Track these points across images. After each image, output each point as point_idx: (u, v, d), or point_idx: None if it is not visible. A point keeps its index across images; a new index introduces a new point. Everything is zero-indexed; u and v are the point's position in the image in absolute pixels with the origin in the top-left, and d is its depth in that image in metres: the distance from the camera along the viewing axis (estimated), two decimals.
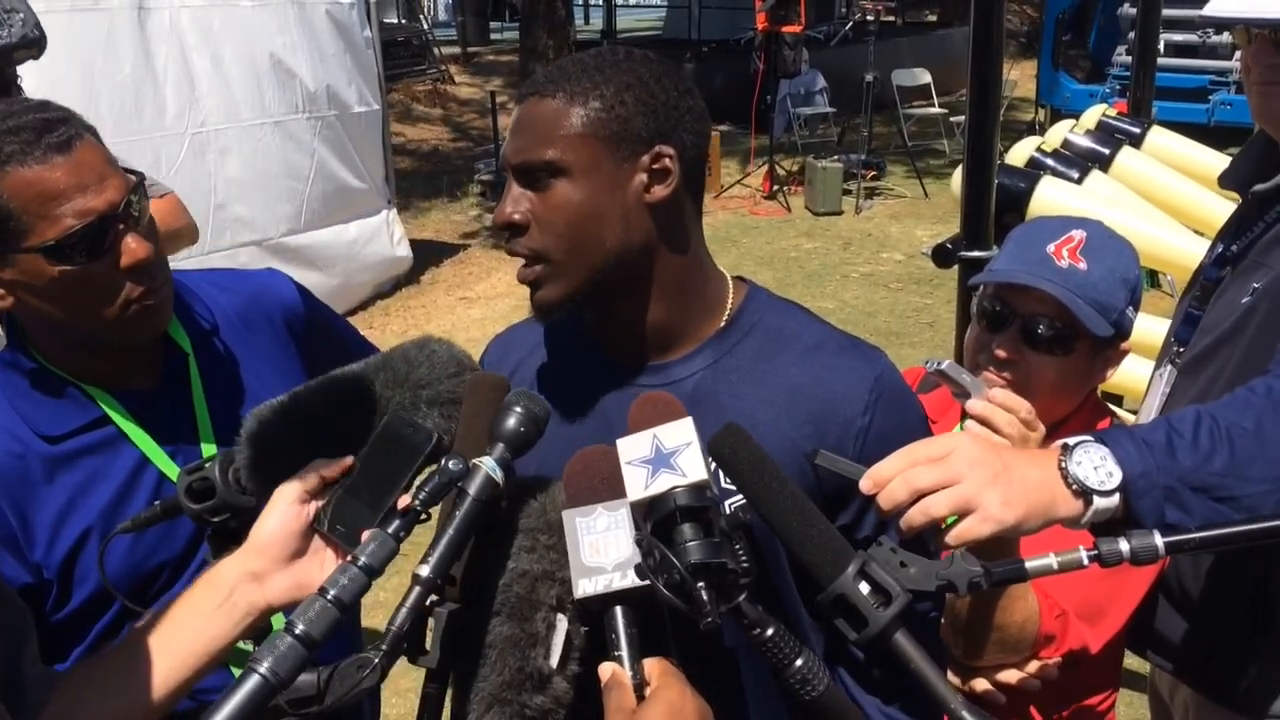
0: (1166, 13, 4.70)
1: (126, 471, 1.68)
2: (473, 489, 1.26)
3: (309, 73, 7.90)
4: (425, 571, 1.22)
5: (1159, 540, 1.23)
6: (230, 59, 7.33)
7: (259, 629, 1.38)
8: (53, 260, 1.53)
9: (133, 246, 1.58)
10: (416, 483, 1.32)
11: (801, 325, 1.52)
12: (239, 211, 7.44)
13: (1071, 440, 1.35)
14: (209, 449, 1.73)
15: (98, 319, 1.60)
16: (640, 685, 1.21)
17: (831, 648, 1.45)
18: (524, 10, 17.25)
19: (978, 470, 1.27)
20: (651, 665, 1.24)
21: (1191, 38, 12.03)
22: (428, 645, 1.30)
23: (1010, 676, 1.77)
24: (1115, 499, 1.32)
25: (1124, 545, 1.23)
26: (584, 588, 1.25)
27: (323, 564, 1.35)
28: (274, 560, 1.33)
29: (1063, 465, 1.32)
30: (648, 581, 1.19)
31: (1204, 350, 2.01)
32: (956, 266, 3.01)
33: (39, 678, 1.28)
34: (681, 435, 1.24)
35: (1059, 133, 3.97)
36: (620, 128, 1.39)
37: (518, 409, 1.32)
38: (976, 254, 2.91)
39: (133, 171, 1.64)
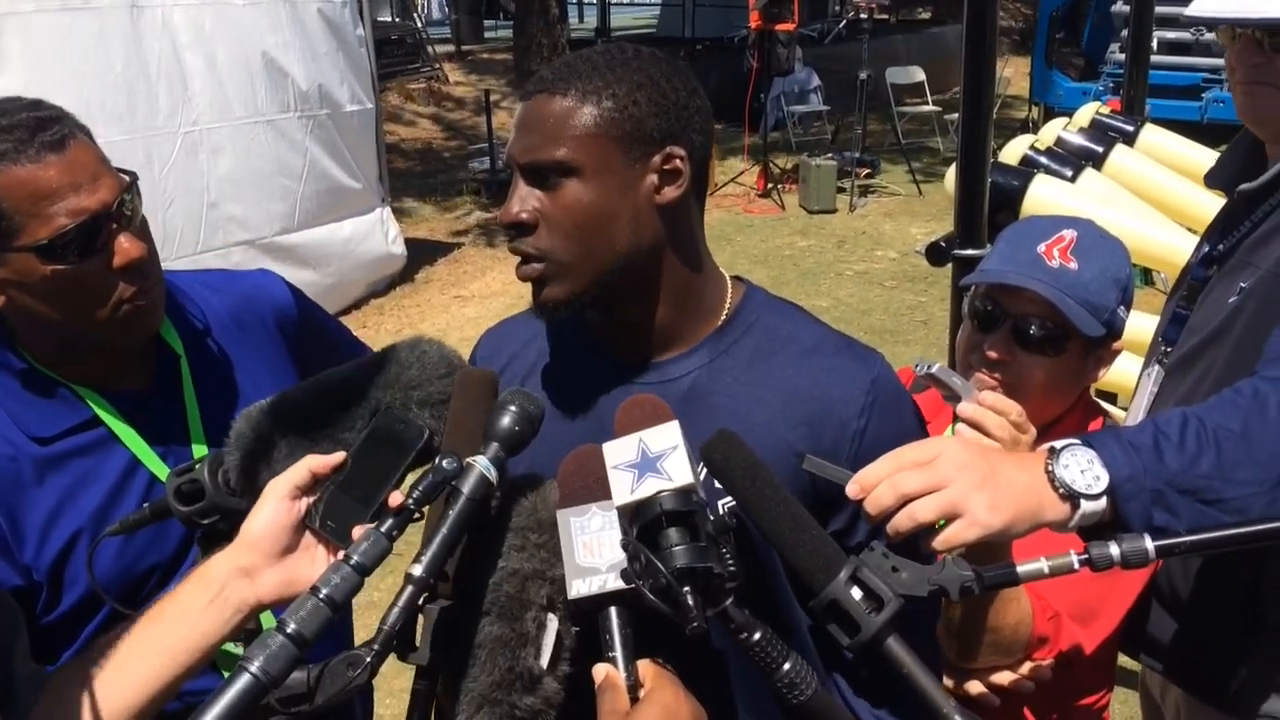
0: (1159, 10, 4.69)
1: (117, 473, 1.67)
2: (466, 488, 1.26)
3: (301, 71, 7.88)
4: (419, 571, 1.21)
5: (1149, 544, 1.23)
6: (222, 57, 7.31)
7: (248, 632, 1.37)
8: (45, 259, 1.53)
9: (125, 246, 1.58)
10: (410, 482, 1.31)
11: (799, 326, 1.52)
12: (232, 210, 7.42)
13: (1058, 444, 1.35)
14: (200, 450, 1.72)
15: (90, 319, 1.59)
16: (634, 687, 1.21)
17: (827, 652, 1.44)
18: (518, 8, 17.27)
19: (964, 474, 1.26)
20: (646, 667, 1.23)
21: (1185, 35, 12.04)
22: (417, 642, 1.30)
23: (1004, 678, 1.76)
24: (1102, 502, 1.31)
25: (1114, 549, 1.22)
26: (578, 588, 1.24)
27: (314, 560, 1.34)
28: (265, 556, 1.32)
29: (1049, 469, 1.32)
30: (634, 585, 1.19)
31: (1191, 350, 2.01)
32: (951, 264, 3.01)
33: (30, 677, 1.28)
34: (667, 439, 1.24)
35: (1053, 130, 3.97)
36: (633, 127, 1.38)
37: (513, 408, 1.31)
38: (970, 252, 2.91)
39: (126, 172, 1.64)
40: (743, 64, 12.84)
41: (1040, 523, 1.30)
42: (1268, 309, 1.82)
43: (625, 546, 1.21)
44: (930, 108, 14.14)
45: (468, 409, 1.39)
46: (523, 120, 1.42)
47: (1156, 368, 2.13)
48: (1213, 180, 2.18)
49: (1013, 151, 3.72)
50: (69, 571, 1.62)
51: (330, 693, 1.20)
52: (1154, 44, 5.11)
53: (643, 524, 1.20)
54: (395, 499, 1.33)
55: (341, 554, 1.23)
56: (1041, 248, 1.82)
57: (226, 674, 1.12)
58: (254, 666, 1.12)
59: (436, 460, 1.27)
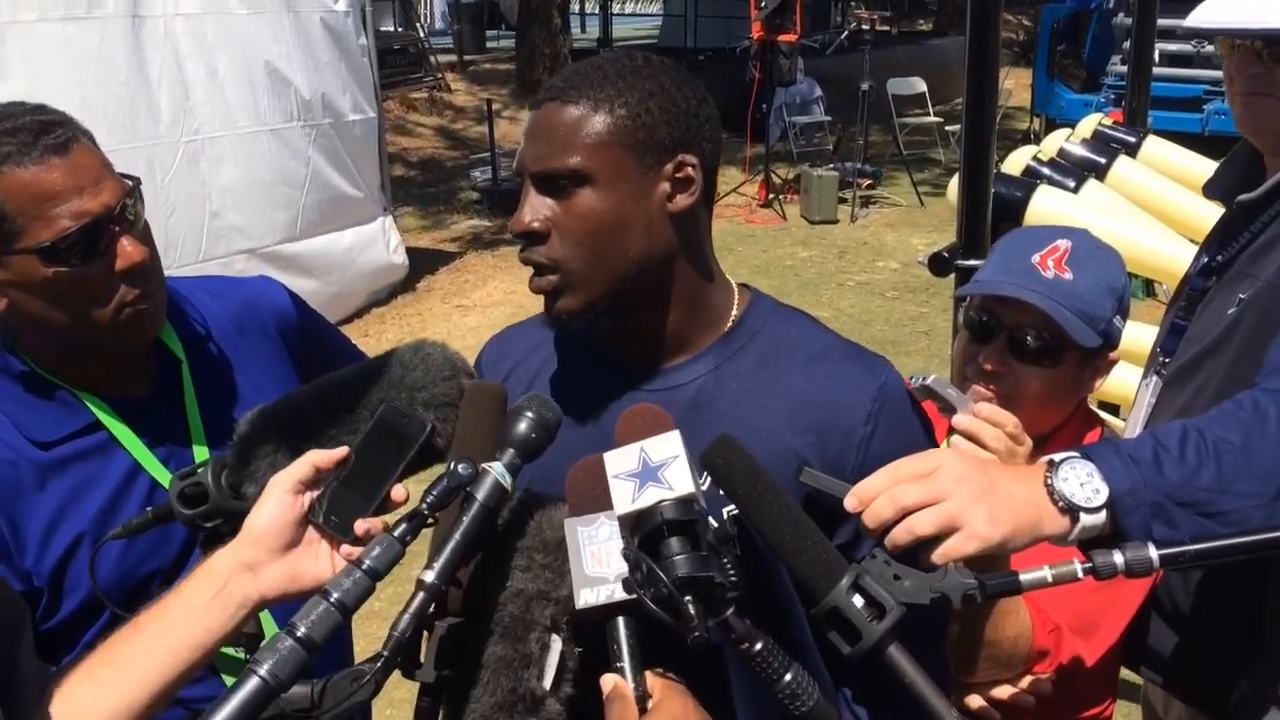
0: (1161, 22, 4.70)
1: (119, 478, 1.67)
2: (481, 494, 1.24)
3: (304, 81, 7.89)
4: (430, 577, 1.20)
5: (1153, 552, 1.22)
6: (225, 67, 7.32)
7: (248, 636, 1.37)
8: (47, 261, 1.53)
9: (128, 249, 1.58)
10: (420, 484, 1.31)
11: (805, 333, 1.51)
12: (234, 219, 7.42)
13: (1057, 456, 1.34)
14: (202, 455, 1.72)
15: (91, 322, 1.60)
16: (643, 697, 1.21)
17: (832, 662, 1.43)
18: (520, 19, 17.31)
19: (963, 487, 1.25)
20: (654, 677, 1.23)
21: (1186, 47, 12.04)
22: (421, 658, 1.29)
23: (1004, 692, 1.75)
24: (1102, 516, 1.30)
25: (1118, 558, 1.22)
26: (586, 598, 1.23)
27: (317, 555, 1.33)
28: (268, 551, 1.31)
29: (1049, 482, 1.30)
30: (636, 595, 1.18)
31: (1190, 361, 2.00)
32: (953, 275, 3.01)
33: (36, 672, 1.27)
34: (669, 448, 1.23)
35: (1055, 142, 3.97)
36: (646, 136, 1.38)
37: (530, 414, 1.30)
38: (973, 262, 2.90)
39: (129, 176, 1.64)
40: (745, 75, 12.84)
41: (1039, 536, 1.29)
42: (1267, 320, 1.81)
43: (626, 556, 1.20)
44: (932, 119, 14.17)
45: (477, 422, 1.39)
46: (534, 128, 1.41)
47: (1155, 378, 2.12)
48: (1211, 191, 2.17)
49: (1015, 162, 3.73)
50: (69, 577, 1.62)
51: (333, 706, 1.20)
52: (1155, 56, 5.12)
53: (644, 534, 1.20)
54: (398, 492, 1.33)
55: (354, 558, 1.22)
56: (1036, 258, 1.81)
57: (226, 677, 1.12)
58: (263, 670, 1.11)
59: (451, 465, 1.26)
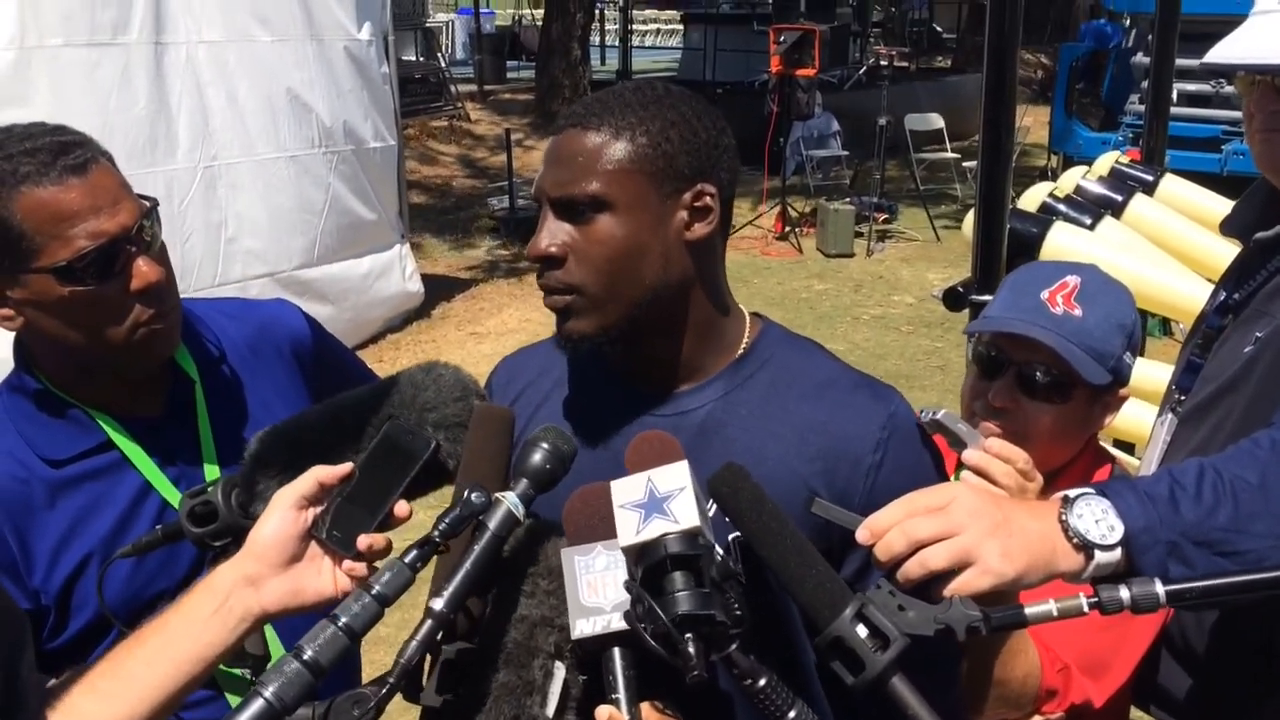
0: (1179, 62, 4.69)
1: (129, 498, 1.68)
2: (493, 523, 1.24)
3: (325, 108, 7.95)
4: (440, 605, 1.19)
5: (1160, 588, 1.21)
6: (245, 94, 7.37)
7: (256, 659, 1.37)
8: (63, 281, 1.54)
9: (144, 269, 1.59)
10: (428, 509, 1.31)
11: (815, 361, 1.51)
12: (250, 244, 7.46)
13: (1072, 493, 1.32)
14: (213, 475, 1.72)
15: (106, 341, 1.60)
16: None
17: (835, 696, 1.41)
18: (541, 50, 17.43)
19: (977, 521, 1.24)
20: (649, 709, 1.22)
21: (1205, 87, 12.03)
22: (424, 682, 1.29)
23: None
24: (1117, 553, 1.29)
25: (1124, 593, 1.21)
26: (581, 628, 1.23)
27: (319, 570, 1.34)
28: (270, 565, 1.31)
29: (1063, 518, 1.29)
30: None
31: (1206, 399, 1.99)
32: (968, 310, 3.00)
33: (38, 685, 1.27)
34: (676, 479, 1.22)
35: (1072, 179, 3.96)
36: (666, 164, 1.39)
37: (545, 445, 1.30)
38: (987, 298, 2.89)
39: (146, 197, 1.65)
40: (763, 108, 12.89)
41: (1054, 573, 1.28)
42: None
43: (629, 588, 1.19)
44: (949, 154, 14.18)
45: (483, 445, 1.39)
46: (555, 154, 1.42)
47: (1170, 416, 2.11)
48: (1229, 228, 2.15)
49: (1032, 198, 3.72)
50: (77, 596, 1.62)
51: None
52: (1174, 95, 5.12)
53: (647, 566, 1.19)
54: (401, 508, 1.33)
55: (364, 582, 1.22)
56: (1045, 294, 1.80)
57: (231, 697, 1.12)
58: (268, 692, 1.11)
59: (465, 494, 1.26)
